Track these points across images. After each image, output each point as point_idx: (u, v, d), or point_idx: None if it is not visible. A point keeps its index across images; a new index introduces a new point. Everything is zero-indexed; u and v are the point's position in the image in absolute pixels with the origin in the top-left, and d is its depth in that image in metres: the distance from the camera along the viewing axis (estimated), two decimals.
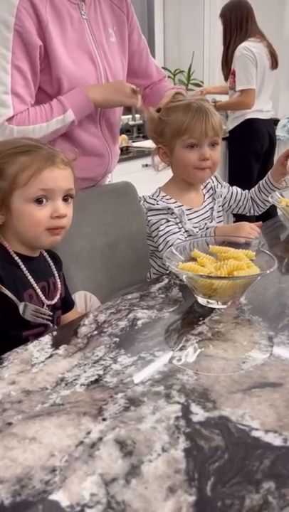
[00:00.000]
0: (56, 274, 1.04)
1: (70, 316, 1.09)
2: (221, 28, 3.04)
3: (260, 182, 1.46)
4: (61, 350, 0.80)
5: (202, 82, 3.84)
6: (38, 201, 0.93)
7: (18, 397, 0.68)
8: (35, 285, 0.96)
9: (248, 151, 3.01)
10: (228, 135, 3.08)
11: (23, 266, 0.95)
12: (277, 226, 1.52)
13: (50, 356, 0.78)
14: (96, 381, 0.71)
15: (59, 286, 1.04)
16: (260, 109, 2.99)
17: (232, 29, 2.94)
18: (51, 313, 0.98)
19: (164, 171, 1.38)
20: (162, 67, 3.86)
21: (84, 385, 0.70)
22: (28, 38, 1.19)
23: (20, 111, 1.22)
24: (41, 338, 0.84)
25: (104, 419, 0.63)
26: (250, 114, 2.97)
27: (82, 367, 0.75)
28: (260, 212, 1.50)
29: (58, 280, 1.04)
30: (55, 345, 0.81)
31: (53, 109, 1.25)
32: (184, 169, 1.30)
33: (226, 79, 3.11)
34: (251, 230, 1.18)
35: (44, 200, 0.93)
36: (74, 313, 1.11)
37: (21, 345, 0.82)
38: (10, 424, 0.62)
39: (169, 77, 3.90)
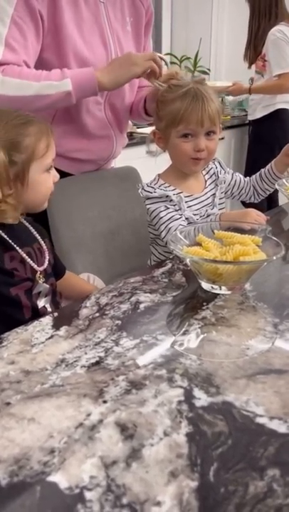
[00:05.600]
0: (41, 241, 1.02)
1: (68, 278, 1.10)
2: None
3: (262, 170, 1.42)
4: (62, 331, 0.78)
5: (209, 69, 3.79)
6: (48, 170, 0.95)
7: (17, 377, 0.66)
8: (18, 249, 0.93)
9: (273, 143, 2.80)
10: (249, 121, 2.96)
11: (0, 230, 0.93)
12: (281, 214, 1.49)
13: (51, 337, 0.76)
14: (97, 363, 0.69)
15: (46, 251, 1.02)
16: None
17: (260, 13, 2.83)
18: None
19: (165, 156, 1.35)
20: (169, 54, 3.85)
21: (84, 366, 0.68)
22: (34, 5, 1.14)
23: (11, 61, 1.14)
24: (41, 319, 0.82)
25: (104, 402, 0.61)
26: (281, 104, 2.83)
27: (83, 348, 0.73)
28: (259, 200, 1.46)
29: (44, 246, 1.02)
30: (56, 326, 0.80)
31: (50, 74, 1.17)
32: (178, 159, 1.26)
33: (250, 65, 2.97)
34: (258, 217, 1.16)
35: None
36: (70, 276, 1.12)
37: (15, 304, 0.81)
38: (8, 404, 0.61)
39: (175, 63, 3.85)
